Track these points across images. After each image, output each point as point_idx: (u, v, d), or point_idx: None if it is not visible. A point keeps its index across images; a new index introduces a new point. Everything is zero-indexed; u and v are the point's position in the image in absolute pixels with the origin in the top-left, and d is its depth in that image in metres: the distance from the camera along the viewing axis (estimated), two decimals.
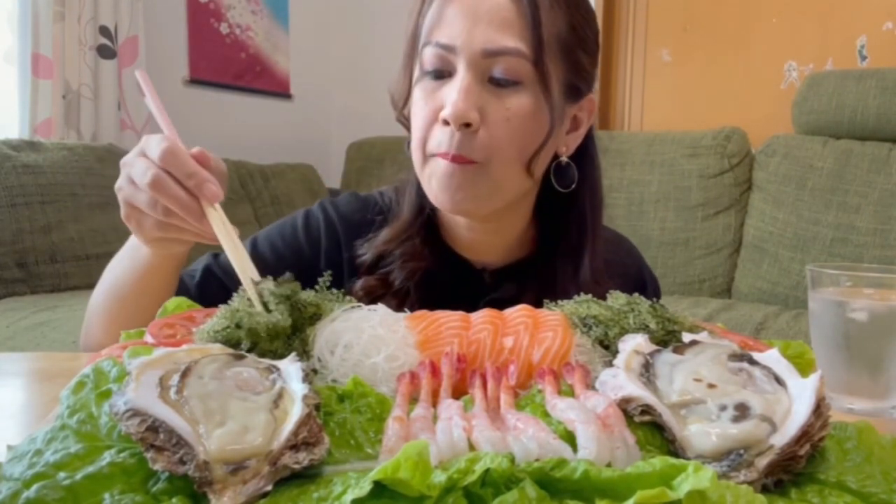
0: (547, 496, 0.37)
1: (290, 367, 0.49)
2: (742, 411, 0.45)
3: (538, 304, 0.64)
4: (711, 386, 0.47)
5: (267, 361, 0.50)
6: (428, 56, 0.83)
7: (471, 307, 0.65)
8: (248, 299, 0.59)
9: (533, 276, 0.93)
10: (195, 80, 3.09)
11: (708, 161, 2.57)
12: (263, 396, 0.45)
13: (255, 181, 2.95)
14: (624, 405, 0.46)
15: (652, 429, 0.45)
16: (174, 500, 0.38)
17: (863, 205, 2.29)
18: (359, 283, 0.90)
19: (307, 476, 0.40)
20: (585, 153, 0.93)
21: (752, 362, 0.50)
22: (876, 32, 2.64)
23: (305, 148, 3.50)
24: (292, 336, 0.57)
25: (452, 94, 0.81)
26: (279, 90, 3.45)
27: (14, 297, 2.06)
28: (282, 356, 0.53)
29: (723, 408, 0.46)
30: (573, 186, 0.90)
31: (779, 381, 0.48)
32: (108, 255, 0.92)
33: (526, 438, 0.42)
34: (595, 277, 0.91)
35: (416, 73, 0.86)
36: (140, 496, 0.39)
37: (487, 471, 0.37)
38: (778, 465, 0.42)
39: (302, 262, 0.94)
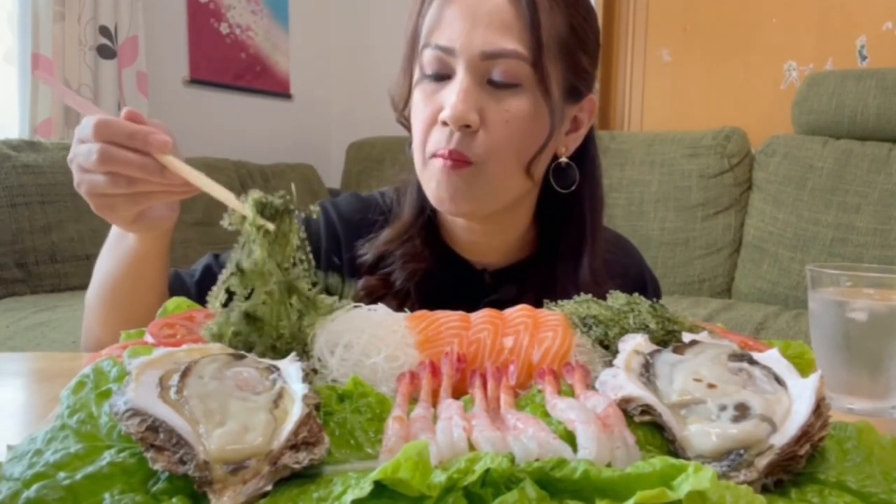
0: (547, 496, 0.37)
1: (290, 367, 0.49)
2: (742, 411, 0.45)
3: (538, 304, 0.64)
4: (711, 386, 0.47)
5: (267, 361, 0.50)
6: (427, 58, 0.83)
7: (471, 308, 0.65)
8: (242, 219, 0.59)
9: (533, 277, 0.93)
10: (195, 80, 3.09)
11: (708, 161, 2.57)
12: (263, 396, 0.45)
13: (255, 181, 2.95)
14: (624, 405, 0.46)
15: (652, 429, 0.45)
16: (174, 500, 0.38)
17: (863, 205, 2.29)
18: (360, 283, 0.90)
19: (307, 476, 0.40)
20: (586, 153, 0.93)
21: (752, 362, 0.50)
22: (876, 32, 2.64)
23: (305, 148, 3.50)
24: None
25: (451, 97, 0.81)
26: (279, 90, 3.45)
27: (14, 297, 2.06)
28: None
29: (723, 408, 0.46)
30: (573, 187, 0.90)
31: (779, 381, 0.48)
32: None
33: (526, 438, 0.42)
34: (595, 278, 0.91)
35: (416, 74, 0.87)
36: (140, 496, 0.39)
37: (487, 471, 0.37)
38: (778, 465, 0.42)
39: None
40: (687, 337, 0.55)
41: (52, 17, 2.45)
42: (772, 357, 0.51)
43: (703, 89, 2.99)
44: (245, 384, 0.46)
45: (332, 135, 3.63)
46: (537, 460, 0.40)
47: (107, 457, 0.40)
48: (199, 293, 0.91)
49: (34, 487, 0.38)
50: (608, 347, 0.58)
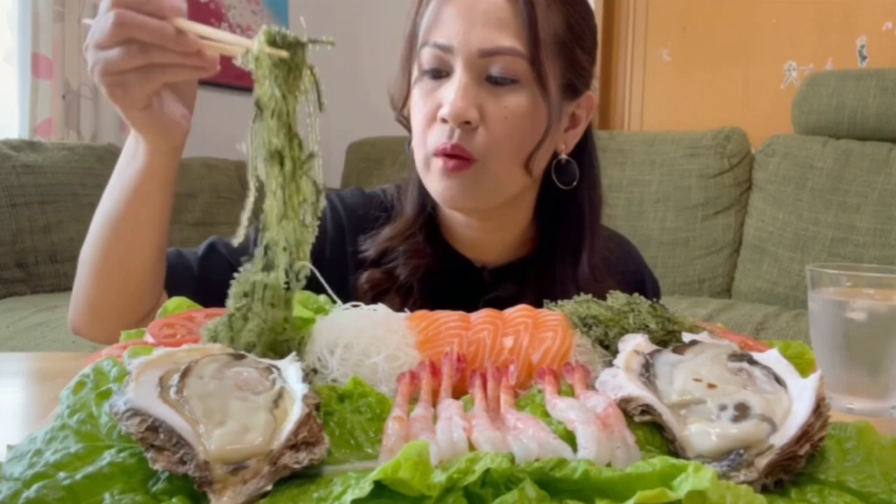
0: (547, 496, 0.37)
1: (290, 367, 0.49)
2: (742, 411, 0.45)
3: (538, 302, 0.64)
4: (711, 386, 0.47)
5: (267, 361, 0.50)
6: (426, 56, 0.84)
7: (471, 306, 0.65)
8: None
9: (533, 275, 0.93)
10: None
11: (708, 161, 2.57)
12: (263, 396, 0.45)
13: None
14: (624, 405, 0.46)
15: (652, 429, 0.45)
16: (174, 499, 0.38)
17: (863, 205, 2.29)
18: (364, 276, 0.91)
19: (307, 476, 0.40)
20: (584, 151, 0.93)
21: (752, 362, 0.50)
22: (876, 32, 2.64)
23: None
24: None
25: (450, 94, 0.81)
26: None
27: (14, 297, 2.06)
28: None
29: (723, 408, 0.46)
30: (574, 184, 0.90)
31: (779, 381, 0.48)
32: None
33: (526, 438, 0.42)
34: (594, 275, 0.91)
35: (415, 73, 0.87)
36: (140, 496, 0.39)
37: (487, 471, 0.37)
38: (778, 464, 0.42)
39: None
40: (687, 337, 0.55)
41: (52, 17, 2.45)
42: (772, 357, 0.51)
43: (703, 89, 2.99)
44: (245, 384, 0.46)
45: (332, 135, 3.63)
46: (537, 460, 0.40)
47: (107, 457, 0.40)
48: (201, 269, 0.91)
49: (34, 487, 0.38)
50: (608, 347, 0.58)
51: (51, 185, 2.17)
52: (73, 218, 2.16)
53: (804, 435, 0.43)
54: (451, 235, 0.95)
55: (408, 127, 0.91)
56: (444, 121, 0.82)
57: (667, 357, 0.52)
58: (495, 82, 0.82)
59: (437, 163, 0.84)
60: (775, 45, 2.83)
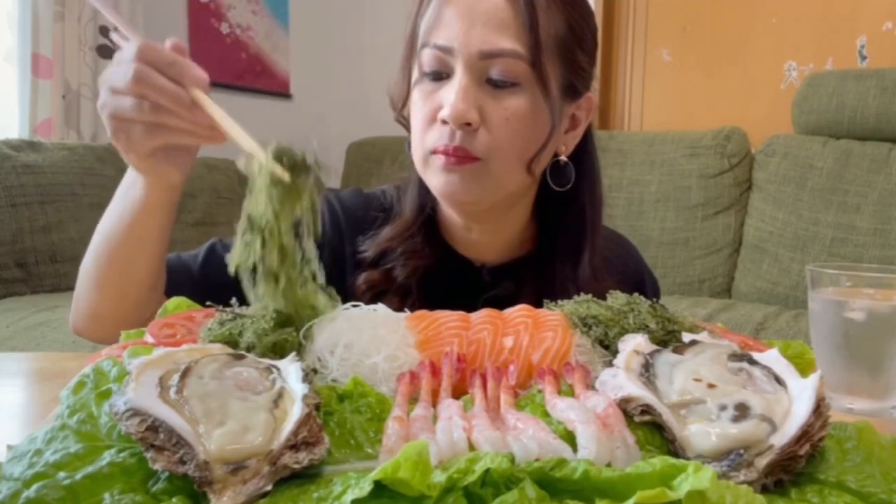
0: (547, 496, 0.37)
1: (290, 367, 0.49)
2: (742, 411, 0.45)
3: (537, 302, 0.64)
4: (711, 386, 0.47)
5: (267, 361, 0.50)
6: (426, 58, 0.84)
7: (470, 305, 0.65)
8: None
9: (532, 274, 0.93)
10: None
11: (708, 161, 2.56)
12: (263, 396, 0.45)
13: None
14: (624, 405, 0.46)
15: (652, 429, 0.45)
16: (174, 499, 0.38)
17: (863, 205, 2.29)
18: (362, 277, 0.91)
19: (307, 476, 0.40)
20: (584, 152, 0.93)
21: (752, 362, 0.50)
22: (876, 32, 2.64)
23: (305, 148, 3.49)
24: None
25: (451, 95, 0.81)
26: (279, 90, 3.45)
27: (14, 297, 2.06)
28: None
29: (723, 408, 0.46)
30: (570, 185, 0.90)
31: (779, 381, 0.48)
32: None
33: (526, 438, 0.42)
34: (594, 275, 0.91)
35: (415, 74, 0.87)
36: (140, 496, 0.39)
37: (487, 471, 0.37)
38: (778, 464, 0.42)
39: None
40: (687, 337, 0.55)
41: (52, 17, 2.45)
42: (772, 357, 0.51)
43: (703, 89, 2.99)
44: (245, 384, 0.46)
45: (332, 135, 3.63)
46: (537, 460, 0.40)
47: (107, 457, 0.40)
48: (201, 272, 0.91)
49: (34, 487, 0.38)
50: (608, 347, 0.58)
51: (51, 185, 2.17)
52: (73, 218, 2.16)
53: (804, 435, 0.43)
54: (450, 235, 0.95)
55: (407, 127, 0.91)
56: (444, 122, 0.82)
57: (667, 357, 0.52)
58: (496, 84, 0.82)
59: (438, 159, 0.84)
60: (775, 45, 2.83)
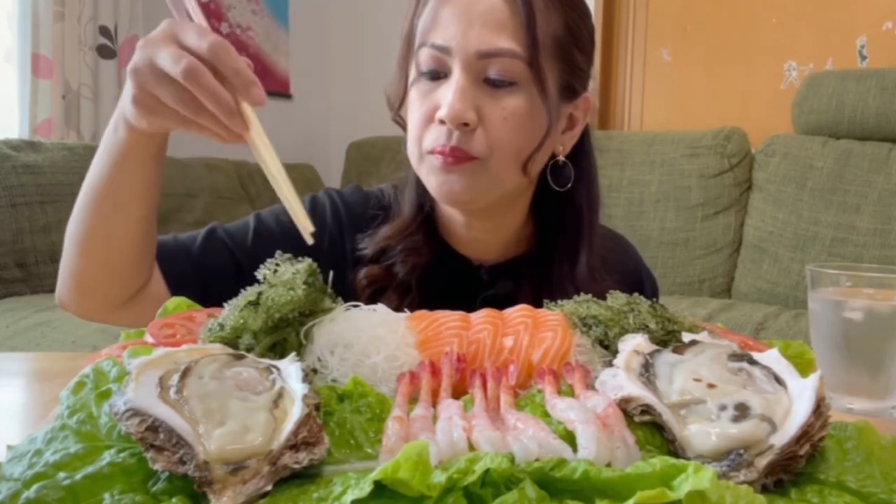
0: (547, 496, 0.37)
1: (290, 367, 0.49)
2: (742, 411, 0.45)
3: (535, 301, 0.64)
4: (711, 386, 0.47)
5: (267, 361, 0.50)
6: (423, 57, 0.84)
7: (468, 304, 0.65)
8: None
9: (529, 273, 0.93)
10: None
11: (708, 161, 2.56)
12: (263, 396, 0.45)
13: (254, 181, 2.95)
14: (624, 405, 0.46)
15: (652, 429, 0.45)
16: (174, 500, 0.38)
17: (863, 205, 2.29)
18: (363, 272, 0.91)
19: (307, 476, 0.40)
20: (582, 151, 0.93)
21: (752, 362, 0.50)
22: (876, 32, 2.64)
23: (305, 148, 3.49)
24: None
25: (448, 95, 0.81)
26: (279, 90, 3.45)
27: (14, 297, 2.07)
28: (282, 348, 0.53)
29: (723, 408, 0.45)
30: (569, 185, 0.90)
31: (779, 381, 0.48)
32: None
33: (526, 438, 0.42)
34: (592, 275, 0.91)
35: (412, 74, 0.87)
36: (140, 496, 0.39)
37: (487, 471, 0.37)
38: (778, 464, 0.42)
39: (306, 244, 0.93)
40: (687, 337, 0.55)
41: (52, 17, 2.45)
42: (772, 357, 0.51)
43: (703, 89, 2.99)
44: (245, 384, 0.46)
45: (332, 135, 3.63)
46: (537, 460, 0.40)
47: (107, 457, 0.40)
48: (201, 253, 0.90)
49: (34, 487, 0.38)
50: (608, 347, 0.58)
51: (51, 185, 2.17)
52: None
53: (804, 435, 0.43)
54: (449, 234, 0.95)
55: (404, 127, 0.91)
56: (441, 122, 0.82)
57: (667, 357, 0.52)
58: (493, 84, 0.82)
59: (435, 159, 0.84)
60: (775, 45, 2.83)
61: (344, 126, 3.58)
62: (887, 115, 2.33)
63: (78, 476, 0.39)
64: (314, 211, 0.97)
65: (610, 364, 0.53)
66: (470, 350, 0.56)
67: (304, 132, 3.57)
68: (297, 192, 0.62)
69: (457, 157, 0.82)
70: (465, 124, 0.81)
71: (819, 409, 0.44)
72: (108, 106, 2.64)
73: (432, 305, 0.63)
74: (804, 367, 0.59)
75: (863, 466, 0.43)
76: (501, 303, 0.63)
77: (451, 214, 0.93)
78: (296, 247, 0.64)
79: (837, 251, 2.28)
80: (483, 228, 0.93)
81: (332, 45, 3.65)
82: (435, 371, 0.53)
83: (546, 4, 0.82)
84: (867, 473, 0.42)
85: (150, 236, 0.85)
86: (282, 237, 0.92)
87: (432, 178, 0.85)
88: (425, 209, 0.93)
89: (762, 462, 0.41)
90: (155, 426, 0.40)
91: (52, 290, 2.29)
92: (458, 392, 0.52)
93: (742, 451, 0.42)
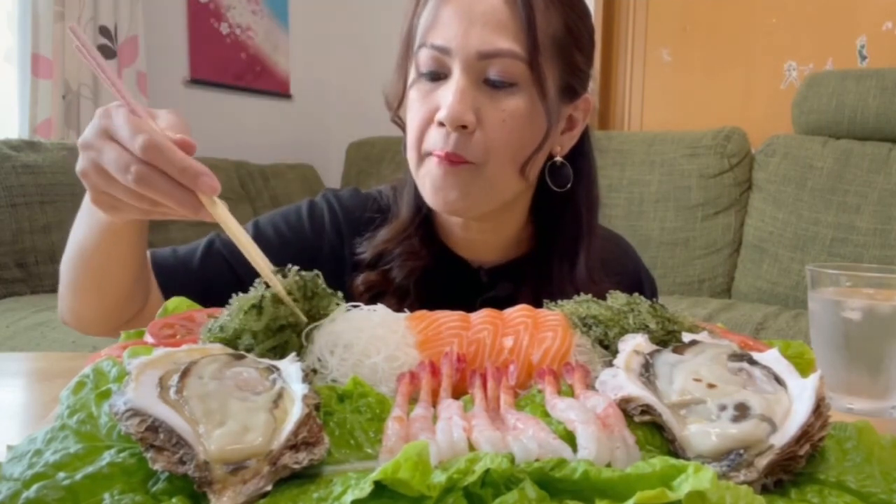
0: (547, 496, 0.37)
1: (290, 367, 0.49)
2: (742, 411, 0.45)
3: (535, 302, 0.64)
4: (711, 386, 0.47)
5: (267, 361, 0.50)
6: (423, 58, 0.84)
7: (468, 306, 0.65)
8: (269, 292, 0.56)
9: (529, 275, 0.93)
10: (195, 81, 3.09)
11: (708, 161, 2.57)
12: (263, 396, 0.45)
13: (254, 181, 2.95)
14: (624, 405, 0.46)
15: (652, 429, 0.45)
16: (174, 500, 0.38)
17: (863, 205, 2.29)
18: (360, 278, 0.91)
19: (307, 476, 0.40)
20: (581, 152, 0.93)
21: (752, 362, 0.50)
22: (876, 32, 2.64)
23: (305, 148, 3.50)
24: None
25: (448, 97, 0.81)
26: (279, 90, 3.45)
27: (14, 297, 2.06)
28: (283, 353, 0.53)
29: (723, 408, 0.45)
30: (568, 186, 0.90)
31: (779, 381, 0.48)
32: None
33: (526, 438, 0.42)
34: (591, 276, 0.91)
35: (412, 74, 0.87)
36: (140, 496, 0.39)
37: (487, 471, 0.37)
38: (778, 465, 0.42)
39: (305, 250, 0.93)
40: (687, 337, 0.55)
41: (52, 17, 2.45)
42: (772, 357, 0.51)
43: (703, 89, 2.99)
44: (245, 384, 0.46)
45: (332, 135, 3.63)
46: (537, 460, 0.40)
47: (107, 457, 0.40)
48: (201, 268, 0.90)
49: (34, 487, 0.38)
50: (608, 347, 0.58)
51: (51, 185, 2.17)
52: (73, 218, 2.16)
53: (804, 435, 0.43)
54: (447, 236, 0.95)
55: (402, 128, 0.91)
56: (441, 124, 0.82)
57: (667, 357, 0.52)
58: (493, 85, 0.82)
59: (433, 161, 0.83)
60: (775, 45, 2.83)
61: (344, 126, 3.58)
62: (887, 115, 2.33)
63: (78, 476, 0.39)
64: (312, 217, 0.97)
65: (610, 364, 0.53)
66: (470, 350, 0.56)
67: (304, 132, 3.57)
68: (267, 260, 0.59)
69: (453, 161, 0.82)
70: (464, 126, 0.81)
71: (819, 409, 0.44)
72: None
73: (432, 308, 0.63)
74: (804, 367, 0.59)
75: (863, 466, 0.43)
76: (501, 305, 0.63)
77: (449, 217, 0.92)
78: (294, 256, 0.63)
79: (837, 251, 2.28)
80: (482, 230, 0.93)
81: (332, 45, 3.65)
82: (435, 371, 0.53)
83: (546, 5, 0.82)
84: (867, 473, 0.42)
85: (140, 280, 0.86)
86: (280, 246, 0.92)
87: (428, 184, 0.85)
88: (423, 211, 0.93)
89: (762, 462, 0.41)
90: (155, 426, 0.40)
91: (52, 290, 2.29)
92: (458, 392, 0.52)
93: (742, 451, 0.42)
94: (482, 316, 0.60)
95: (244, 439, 0.41)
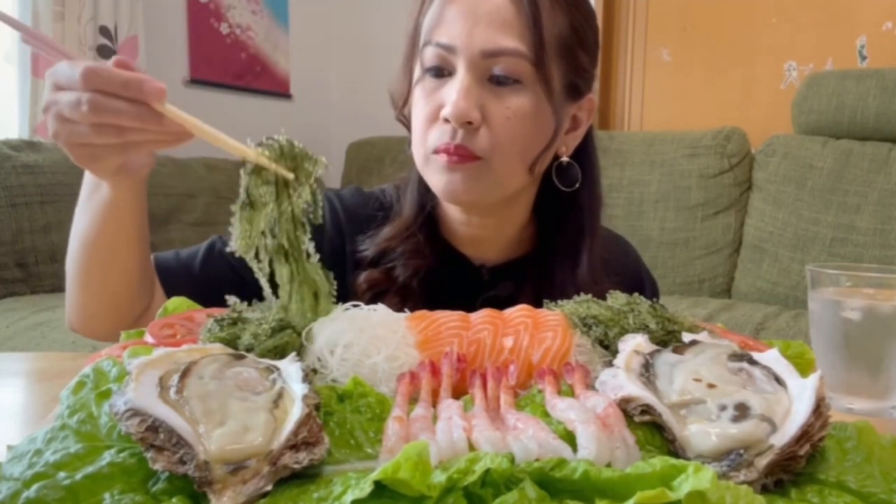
0: (547, 496, 0.37)
1: (290, 367, 0.49)
2: (742, 411, 0.45)
3: (536, 302, 0.64)
4: (711, 386, 0.47)
5: (267, 361, 0.50)
6: (428, 56, 0.84)
7: (469, 304, 0.65)
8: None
9: (531, 274, 0.93)
10: (195, 80, 3.09)
11: (708, 161, 2.57)
12: (263, 396, 0.45)
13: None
14: (624, 405, 0.46)
15: (652, 429, 0.45)
16: (174, 500, 0.38)
17: (863, 205, 2.29)
18: (362, 276, 0.91)
19: (307, 476, 0.40)
20: (585, 152, 0.93)
21: (752, 362, 0.50)
22: (876, 32, 2.64)
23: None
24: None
25: (453, 94, 0.81)
26: (279, 90, 3.45)
27: (14, 297, 2.06)
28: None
29: (723, 408, 0.46)
30: (576, 186, 0.90)
31: (779, 381, 0.48)
32: None
33: (526, 438, 0.42)
34: (593, 276, 0.91)
35: (417, 72, 0.87)
36: (140, 496, 0.39)
37: (487, 471, 0.37)
38: (778, 465, 0.42)
39: None
40: (687, 337, 0.55)
41: (52, 17, 2.45)
42: (772, 357, 0.51)
43: (703, 89, 2.99)
44: (245, 384, 0.46)
45: (332, 135, 3.63)
46: (537, 460, 0.40)
47: (107, 457, 0.40)
48: (202, 269, 0.91)
49: (34, 487, 0.38)
50: (608, 347, 0.58)
51: (51, 185, 2.17)
52: (72, 218, 2.16)
53: (804, 435, 0.43)
54: (450, 233, 0.95)
55: (408, 126, 0.91)
56: (445, 121, 0.82)
57: (667, 357, 0.52)
58: (498, 83, 0.82)
59: (440, 158, 0.84)
60: (775, 45, 2.83)
61: (344, 126, 3.58)
62: (887, 115, 2.33)
63: (78, 476, 0.39)
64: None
65: (610, 364, 0.53)
66: (470, 350, 0.56)
67: (304, 132, 3.56)
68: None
69: (461, 156, 0.82)
70: (469, 123, 0.81)
71: (819, 409, 0.44)
72: None
73: (433, 306, 0.63)
74: (804, 367, 0.59)
75: (863, 466, 0.43)
76: (502, 304, 0.63)
77: (453, 213, 0.93)
78: None
79: (837, 251, 2.28)
80: (485, 226, 0.93)
81: (332, 45, 3.65)
82: (435, 371, 0.53)
83: (552, 4, 0.82)
84: (867, 473, 0.42)
85: (145, 270, 0.87)
86: None
87: (436, 178, 0.85)
88: (426, 209, 0.93)
89: (762, 462, 0.41)
90: (155, 426, 0.40)
91: (51, 290, 2.29)
92: (458, 392, 0.52)
93: (742, 451, 0.42)
94: (482, 316, 0.60)
95: (244, 439, 0.41)
